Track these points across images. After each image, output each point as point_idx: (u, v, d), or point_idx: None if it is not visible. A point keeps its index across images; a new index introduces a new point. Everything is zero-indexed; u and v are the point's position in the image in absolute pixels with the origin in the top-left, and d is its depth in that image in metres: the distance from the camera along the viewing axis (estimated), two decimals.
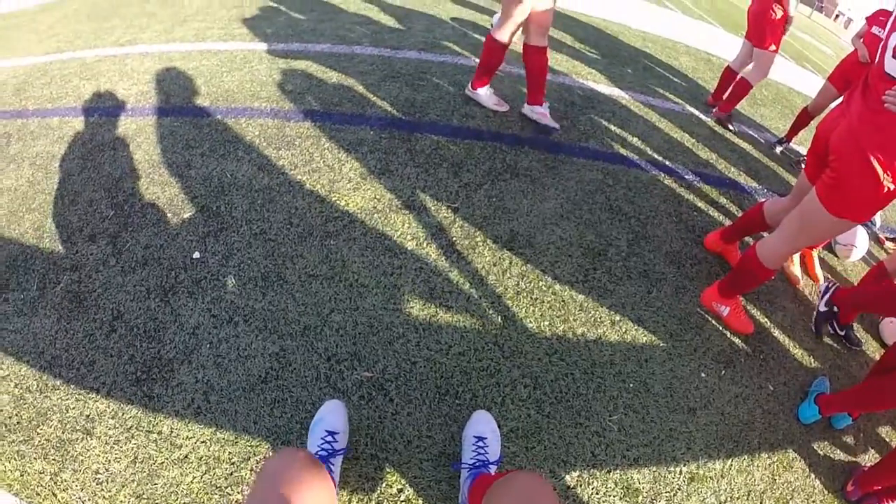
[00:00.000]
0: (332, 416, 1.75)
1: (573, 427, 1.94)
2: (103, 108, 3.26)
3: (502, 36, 3.00)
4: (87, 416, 1.80)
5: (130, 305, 2.12)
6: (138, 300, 2.14)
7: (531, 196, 2.88)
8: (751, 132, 4.23)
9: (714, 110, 4.25)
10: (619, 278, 2.52)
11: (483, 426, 1.81)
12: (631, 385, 2.09)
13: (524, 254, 2.55)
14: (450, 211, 2.70)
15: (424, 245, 2.50)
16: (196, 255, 2.33)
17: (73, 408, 1.83)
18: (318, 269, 2.33)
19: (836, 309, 2.44)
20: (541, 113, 3.37)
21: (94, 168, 2.78)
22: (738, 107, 4.30)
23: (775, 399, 2.20)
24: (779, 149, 4.04)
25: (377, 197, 2.71)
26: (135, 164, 2.79)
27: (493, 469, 1.67)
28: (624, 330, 2.30)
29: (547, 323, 2.28)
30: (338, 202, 2.65)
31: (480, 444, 1.72)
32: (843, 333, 2.55)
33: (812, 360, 2.46)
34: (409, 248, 2.47)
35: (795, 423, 2.16)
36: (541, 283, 2.44)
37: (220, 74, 3.57)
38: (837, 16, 41.90)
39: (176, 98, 3.33)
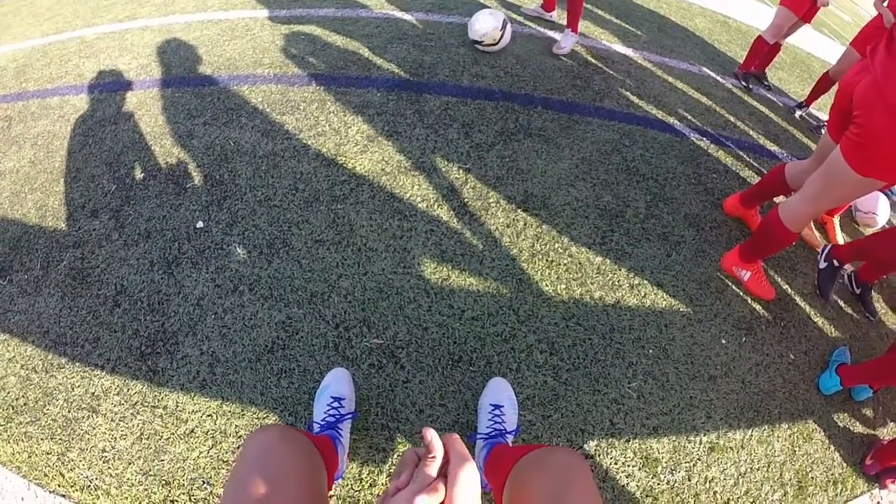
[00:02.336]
0: (337, 383, 1.67)
1: (591, 394, 1.86)
2: (103, 85, 3.15)
3: None
4: (93, 393, 1.77)
5: (134, 279, 2.06)
6: (141, 273, 2.08)
7: (545, 156, 2.74)
8: (769, 96, 3.99)
9: (737, 69, 4.02)
10: (637, 241, 2.40)
11: (500, 394, 1.70)
12: (650, 351, 2.00)
13: (539, 215, 2.43)
14: (461, 172, 2.58)
15: (435, 207, 2.39)
16: (199, 224, 2.25)
17: (79, 386, 1.79)
18: (325, 234, 2.23)
19: (836, 262, 2.34)
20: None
21: (95, 144, 2.69)
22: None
23: (796, 368, 2.11)
24: (798, 113, 3.82)
25: (385, 159, 2.59)
26: (136, 137, 2.69)
27: (509, 439, 1.57)
28: (643, 294, 2.19)
29: (563, 286, 2.16)
30: (344, 165, 2.54)
31: (497, 412, 1.62)
32: (858, 292, 2.44)
33: (833, 330, 2.33)
34: (419, 211, 2.36)
35: (816, 394, 2.07)
36: (556, 246, 2.31)
37: (221, 43, 3.42)
38: None
39: (177, 69, 3.19)
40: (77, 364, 1.85)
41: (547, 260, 2.25)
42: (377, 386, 1.79)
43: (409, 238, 2.25)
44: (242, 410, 1.72)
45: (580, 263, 2.27)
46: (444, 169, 2.58)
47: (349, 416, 1.56)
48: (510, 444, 1.53)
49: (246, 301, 1.99)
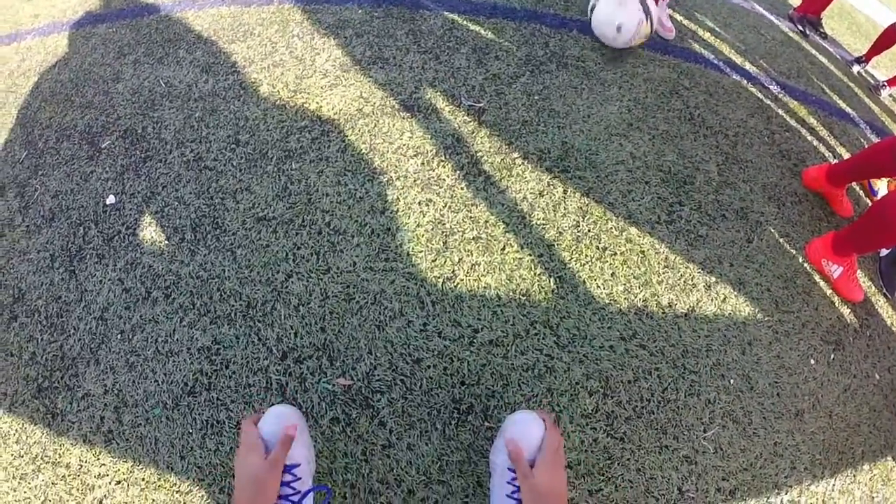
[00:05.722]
0: None
1: (657, 453, 1.42)
2: (38, 29, 2.63)
3: None
4: None
5: (33, 280, 1.63)
6: (41, 272, 1.64)
7: (587, 95, 2.17)
8: (825, 45, 3.54)
9: (792, 11, 3.63)
10: (711, 218, 1.92)
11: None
12: (731, 381, 1.59)
13: (584, 178, 1.88)
14: (472, 114, 2.00)
15: (434, 164, 1.81)
16: (111, 199, 1.74)
17: None
18: (272, 208, 1.66)
19: None
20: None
21: (15, 101, 2.18)
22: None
23: (880, 392, 1.77)
24: (856, 69, 3.44)
25: (363, 96, 1.98)
26: (57, 87, 2.16)
27: None
28: (722, 297, 1.73)
29: (622, 288, 1.64)
30: (306, 106, 1.94)
31: None
32: None
33: None
34: (410, 171, 1.78)
35: None
36: (610, 226, 1.78)
37: None
38: None
39: (116, 0, 2.55)
40: None
41: (597, 247, 1.71)
42: (344, 452, 1.26)
43: (395, 213, 1.68)
44: (159, 480, 1.28)
45: (642, 252, 1.74)
46: (447, 109, 2.00)
47: (309, 493, 0.99)
48: None
49: (160, 314, 1.47)
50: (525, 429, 1.06)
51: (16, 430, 1.40)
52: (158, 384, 1.37)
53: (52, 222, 1.72)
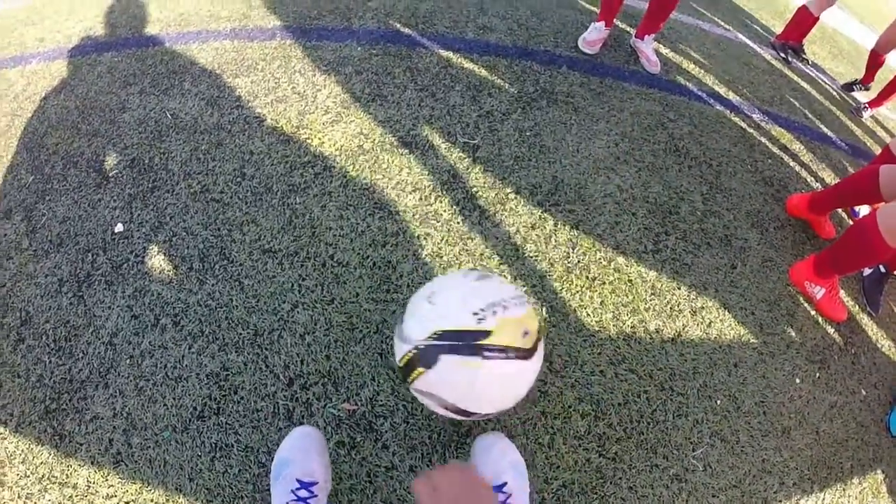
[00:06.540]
0: (303, 456, 1.17)
1: (647, 472, 1.44)
2: (42, 54, 2.61)
3: None
4: None
5: (40, 304, 1.61)
6: (49, 296, 1.62)
7: (576, 130, 2.20)
8: (807, 70, 3.56)
9: (774, 38, 3.66)
10: (696, 246, 1.94)
11: (499, 463, 1.16)
12: (718, 402, 1.61)
13: (573, 211, 1.90)
14: (467, 150, 2.02)
15: (432, 199, 1.83)
16: (119, 227, 1.74)
17: None
18: (278, 240, 1.67)
19: (883, 269, 2.11)
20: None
21: (20, 125, 2.18)
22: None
23: (867, 407, 1.80)
24: (866, 114, 3.34)
25: (363, 132, 2.00)
26: (63, 113, 2.16)
27: None
28: (708, 322, 1.75)
29: (610, 316, 1.66)
30: (309, 142, 1.96)
31: (501, 495, 1.07)
32: None
33: None
34: (409, 206, 1.80)
35: (885, 436, 1.77)
36: (598, 256, 1.80)
37: None
38: None
39: (121, 29, 2.60)
40: None
41: (587, 277, 1.73)
42: (348, 474, 1.27)
43: (396, 246, 1.69)
44: (168, 501, 1.27)
45: (630, 281, 1.76)
46: (443, 146, 2.01)
47: None
48: None
49: (169, 340, 1.47)
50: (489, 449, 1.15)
51: (22, 451, 1.39)
52: (168, 408, 1.37)
53: (59, 247, 1.71)
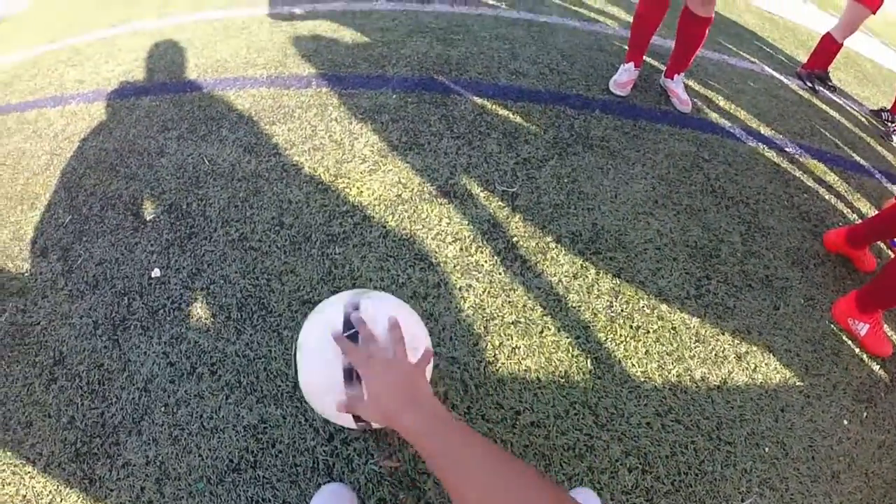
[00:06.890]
0: None
1: None
2: (82, 95, 2.67)
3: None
4: (24, 496, 1.36)
5: (74, 345, 1.59)
6: (84, 337, 1.61)
7: (613, 175, 2.18)
8: (835, 98, 3.49)
9: (800, 68, 3.64)
10: (738, 289, 1.89)
11: None
12: (766, 450, 1.54)
13: (614, 259, 1.87)
14: (505, 198, 2.00)
15: (472, 250, 1.81)
16: (156, 272, 1.73)
17: (10, 483, 1.37)
18: (317, 290, 1.65)
19: None
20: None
21: (59, 164, 2.22)
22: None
23: None
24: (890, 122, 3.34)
25: (402, 181, 2.01)
26: (102, 155, 2.19)
27: None
28: (753, 367, 1.70)
29: (656, 365, 1.61)
30: (347, 191, 1.96)
31: None
32: None
33: None
34: (449, 256, 1.79)
35: None
36: (642, 304, 1.76)
37: (213, 44, 2.87)
38: None
39: (159, 74, 2.67)
40: (8, 453, 1.40)
41: (631, 326, 1.68)
42: None
43: (436, 298, 1.66)
44: None
45: (674, 329, 1.71)
46: (482, 194, 2.01)
47: None
48: None
49: (205, 390, 1.44)
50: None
51: (50, 492, 1.36)
52: (203, 458, 1.33)
53: (95, 289, 1.70)
